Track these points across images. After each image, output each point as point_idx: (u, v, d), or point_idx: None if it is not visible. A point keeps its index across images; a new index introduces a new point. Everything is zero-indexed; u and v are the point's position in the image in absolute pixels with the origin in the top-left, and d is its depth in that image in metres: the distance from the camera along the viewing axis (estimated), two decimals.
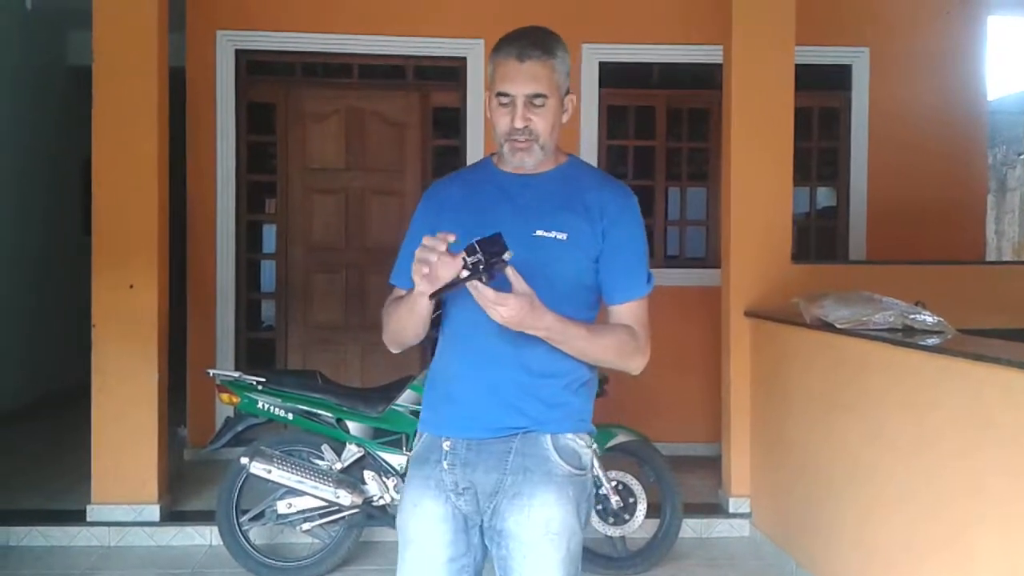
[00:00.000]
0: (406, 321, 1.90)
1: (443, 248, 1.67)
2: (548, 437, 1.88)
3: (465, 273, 1.67)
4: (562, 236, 1.87)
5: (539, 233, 1.86)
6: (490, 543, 1.91)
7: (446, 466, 1.89)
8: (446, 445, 1.90)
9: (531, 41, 1.88)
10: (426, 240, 1.69)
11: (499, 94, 1.87)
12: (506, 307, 1.67)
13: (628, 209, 1.96)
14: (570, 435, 1.90)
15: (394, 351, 2.03)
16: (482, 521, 1.90)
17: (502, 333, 1.79)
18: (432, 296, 1.71)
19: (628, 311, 1.93)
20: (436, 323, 1.97)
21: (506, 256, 1.65)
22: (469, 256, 1.65)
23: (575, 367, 1.90)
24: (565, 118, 1.93)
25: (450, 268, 1.69)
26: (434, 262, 1.68)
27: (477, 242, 1.64)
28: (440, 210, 1.98)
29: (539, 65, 1.86)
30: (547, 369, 1.88)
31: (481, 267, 1.64)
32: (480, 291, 1.66)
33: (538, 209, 1.89)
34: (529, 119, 1.86)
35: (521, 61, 1.85)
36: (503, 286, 1.69)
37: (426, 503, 1.90)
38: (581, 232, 1.88)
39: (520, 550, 1.85)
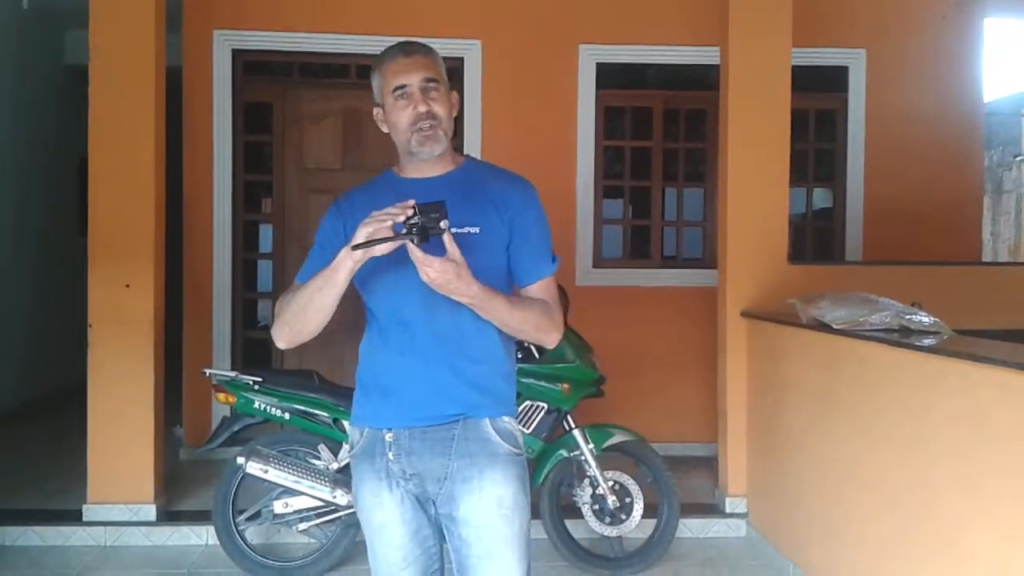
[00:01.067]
0: (314, 298, 1.88)
1: (401, 218, 1.76)
2: (487, 421, 2.00)
3: (402, 231, 1.75)
4: (475, 230, 1.96)
5: (454, 230, 1.86)
6: (446, 531, 2.02)
7: (391, 456, 1.99)
8: (388, 436, 1.99)
9: (410, 42, 2.06)
10: (392, 208, 1.78)
11: (395, 89, 1.99)
12: (432, 268, 1.77)
13: (529, 198, 2.07)
14: (506, 418, 2.04)
15: (282, 346, 2.01)
16: (434, 505, 2.02)
17: (434, 325, 1.95)
18: (359, 246, 1.77)
19: (539, 289, 2.06)
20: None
21: (443, 224, 1.74)
22: (409, 218, 1.74)
23: (502, 357, 2.05)
24: (455, 112, 2.06)
25: (386, 231, 1.78)
26: (384, 225, 1.77)
27: (418, 205, 1.75)
28: (349, 217, 2.02)
29: (425, 57, 2.02)
30: (478, 356, 2.00)
31: (415, 229, 1.73)
32: (410, 250, 1.76)
33: (448, 208, 1.87)
34: (428, 103, 1.97)
35: (408, 55, 2.01)
36: (437, 252, 1.78)
37: (383, 494, 2.01)
38: (491, 224, 1.99)
39: (475, 533, 1.96)
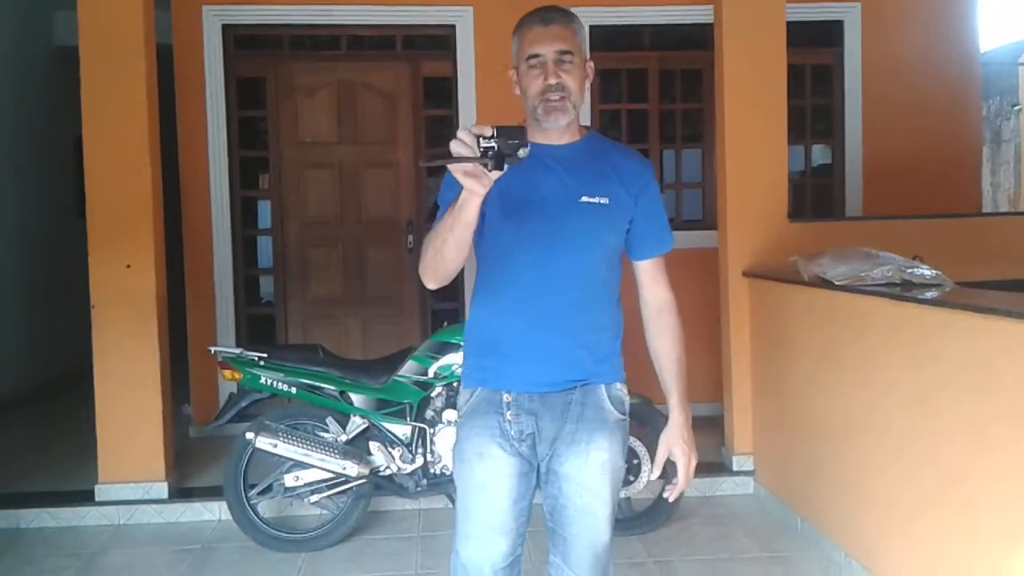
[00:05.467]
0: (448, 240, 1.80)
1: (488, 133, 1.63)
2: (603, 387, 2.07)
3: (476, 153, 1.63)
4: (605, 201, 2.01)
5: (584, 199, 1.99)
6: (543, 483, 2.09)
7: (509, 416, 2.03)
8: (507, 398, 2.03)
9: (551, 9, 2.04)
10: (473, 127, 1.67)
11: (529, 57, 1.99)
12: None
13: (652, 174, 2.13)
14: (618, 384, 2.12)
15: (432, 286, 1.94)
16: (539, 464, 2.07)
17: (558, 292, 1.99)
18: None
19: (657, 264, 2.16)
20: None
21: (521, 152, 1.63)
22: (485, 140, 1.62)
23: (617, 322, 2.13)
24: (587, 83, 2.05)
25: (468, 151, 1.65)
26: (466, 140, 1.64)
27: (497, 128, 1.63)
28: None
29: (562, 27, 2.00)
30: (599, 324, 2.07)
31: (491, 152, 1.62)
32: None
33: (579, 176, 2.01)
34: (560, 75, 1.97)
35: (546, 24, 2.00)
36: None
37: (492, 451, 2.03)
38: (619, 197, 2.03)
39: (577, 491, 2.04)
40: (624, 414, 2.12)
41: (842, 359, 3.54)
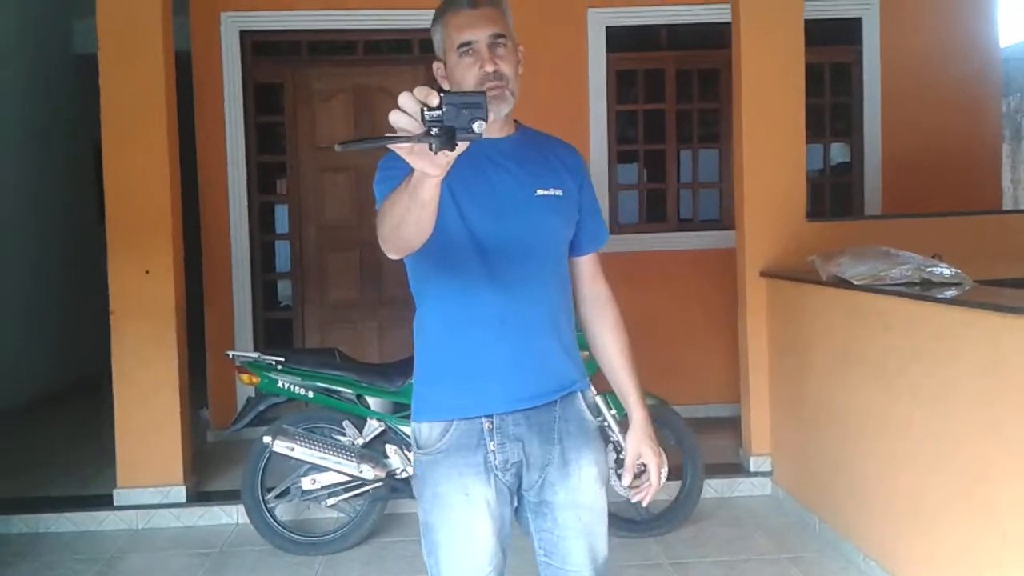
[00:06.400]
0: (406, 219, 1.46)
1: (434, 101, 1.21)
2: (579, 395, 1.91)
3: (420, 127, 1.22)
4: (559, 193, 1.86)
5: (540, 192, 1.83)
6: (533, 516, 1.88)
7: (493, 447, 1.80)
8: (488, 425, 1.80)
9: None
10: (417, 91, 1.24)
11: (460, 46, 1.79)
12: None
13: (584, 165, 1.99)
14: (592, 390, 1.97)
15: (393, 256, 1.66)
16: (522, 495, 1.88)
17: (535, 297, 1.82)
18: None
19: (596, 258, 2.01)
20: None
21: (477, 126, 1.21)
22: (431, 111, 1.21)
23: (573, 321, 1.95)
24: (520, 69, 1.87)
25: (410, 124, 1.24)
26: (408, 109, 1.23)
27: (446, 94, 1.22)
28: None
29: (493, 8, 1.82)
30: (568, 323, 1.91)
31: (436, 130, 1.21)
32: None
33: (529, 169, 1.85)
34: (496, 62, 1.78)
35: (475, 7, 1.80)
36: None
37: (479, 489, 1.80)
38: (569, 189, 1.89)
39: (576, 514, 1.86)
40: (599, 418, 1.99)
41: (861, 359, 3.50)
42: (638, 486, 1.97)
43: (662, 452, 1.98)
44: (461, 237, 1.76)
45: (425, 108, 1.21)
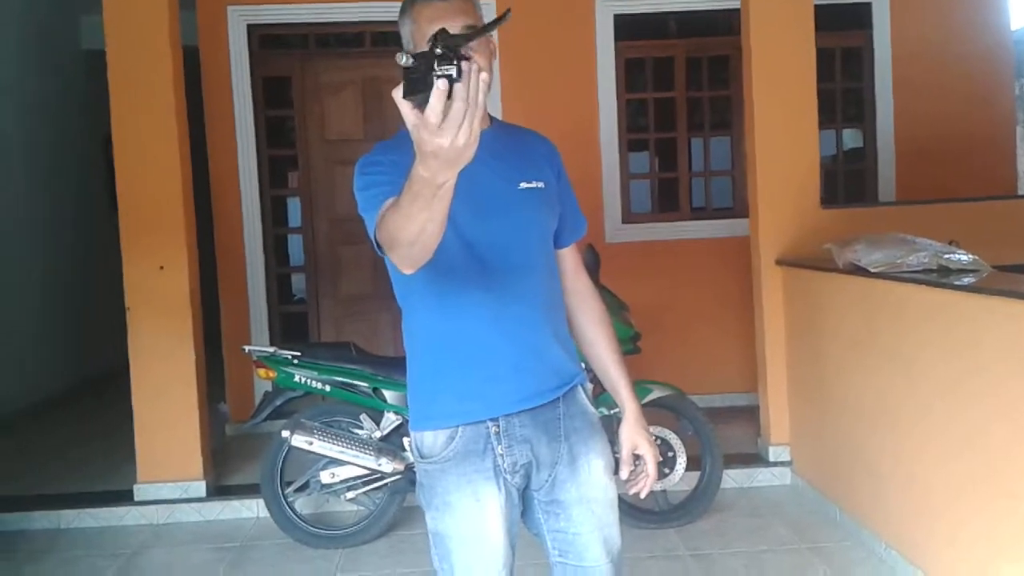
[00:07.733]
0: (426, 228, 1.40)
1: (404, 60, 1.25)
2: (579, 388, 1.90)
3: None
4: (541, 185, 1.83)
5: (523, 185, 1.80)
6: (546, 516, 1.86)
7: (501, 451, 1.78)
8: (494, 428, 1.78)
9: None
10: None
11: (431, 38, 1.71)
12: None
13: (559, 156, 1.95)
14: (588, 382, 1.96)
15: (409, 271, 1.53)
16: (529, 494, 1.87)
17: (530, 292, 1.79)
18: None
19: (574, 251, 1.99)
20: None
21: (452, 70, 1.16)
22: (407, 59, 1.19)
23: (564, 312, 1.95)
24: (494, 59, 1.85)
25: None
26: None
27: (415, 55, 1.20)
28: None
29: (462, 1, 1.76)
30: (562, 317, 1.91)
31: (413, 75, 1.19)
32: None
33: (510, 162, 1.82)
34: (469, 54, 1.71)
35: None
36: None
37: (490, 493, 1.78)
38: (550, 180, 1.87)
39: (589, 508, 1.85)
40: (596, 407, 1.97)
41: (878, 347, 3.49)
42: (634, 478, 1.97)
43: (655, 443, 1.99)
44: (449, 237, 1.62)
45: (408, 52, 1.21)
